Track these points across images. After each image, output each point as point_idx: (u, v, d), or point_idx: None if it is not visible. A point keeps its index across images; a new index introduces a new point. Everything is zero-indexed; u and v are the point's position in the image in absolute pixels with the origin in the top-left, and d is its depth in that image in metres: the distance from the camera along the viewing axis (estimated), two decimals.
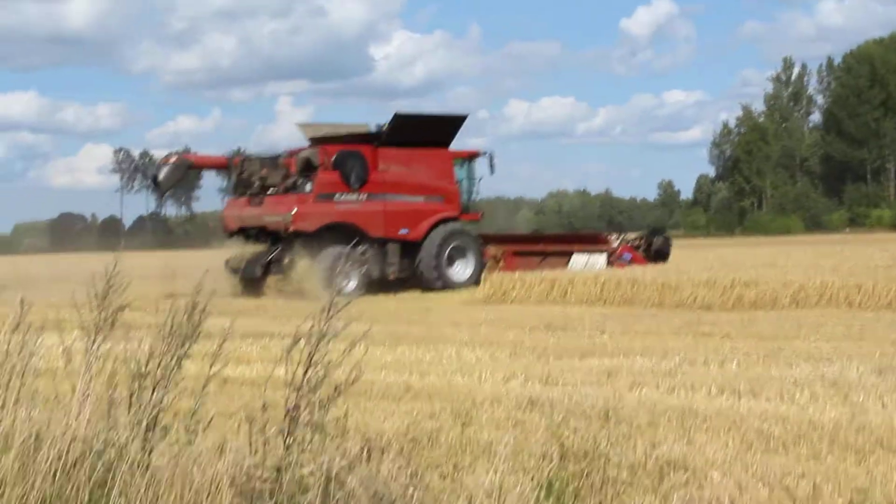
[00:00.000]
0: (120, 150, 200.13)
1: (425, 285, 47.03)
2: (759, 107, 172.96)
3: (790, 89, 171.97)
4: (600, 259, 52.88)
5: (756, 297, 33.02)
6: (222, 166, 54.85)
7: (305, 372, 6.72)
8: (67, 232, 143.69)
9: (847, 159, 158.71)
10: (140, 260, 34.12)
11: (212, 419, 8.10)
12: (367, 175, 47.94)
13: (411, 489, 6.80)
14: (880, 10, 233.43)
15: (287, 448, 6.61)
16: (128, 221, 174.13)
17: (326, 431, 6.86)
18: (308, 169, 47.88)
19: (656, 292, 35.65)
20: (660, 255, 55.57)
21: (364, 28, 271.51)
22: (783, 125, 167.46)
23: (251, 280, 47.05)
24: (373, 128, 51.99)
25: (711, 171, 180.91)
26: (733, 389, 16.85)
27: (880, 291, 31.86)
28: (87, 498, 7.23)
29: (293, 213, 46.25)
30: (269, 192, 48.84)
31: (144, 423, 7.51)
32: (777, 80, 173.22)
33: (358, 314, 10.63)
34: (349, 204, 47.58)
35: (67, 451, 7.49)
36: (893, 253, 52.36)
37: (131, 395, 7.74)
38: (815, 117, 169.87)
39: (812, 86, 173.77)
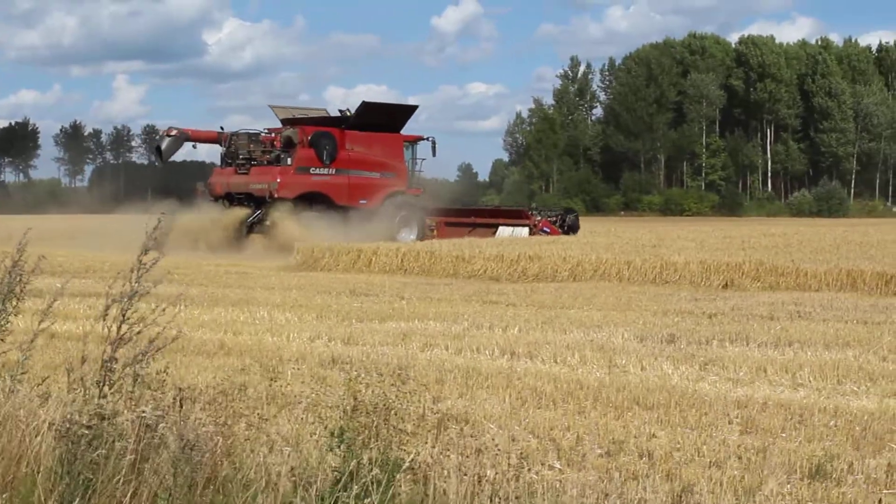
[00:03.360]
0: None
1: (382, 238, 47.87)
2: (549, 100, 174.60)
3: (576, 86, 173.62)
4: (524, 231, 55.75)
5: (538, 271, 33.36)
6: (214, 140, 56.86)
7: (119, 328, 6.77)
8: None
9: (624, 150, 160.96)
10: None
11: (26, 371, 8.04)
12: (336, 153, 52.80)
13: (218, 436, 6.85)
14: (659, 18, 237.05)
15: (103, 396, 6.64)
16: None
17: (145, 382, 6.91)
18: (289, 145, 52.23)
19: (451, 264, 35.77)
20: (571, 229, 58.56)
21: (198, 14, 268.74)
22: (570, 118, 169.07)
23: (237, 237, 50.71)
24: (335, 112, 57.72)
25: (506, 157, 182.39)
26: (513, 352, 17.09)
27: (646, 268, 32.35)
28: None
29: (277, 182, 50.86)
30: (253, 164, 53.14)
31: None
32: (565, 77, 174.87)
33: (179, 276, 10.73)
34: (321, 176, 52.87)
35: None
36: (660, 234, 53.37)
37: None
38: (598, 111, 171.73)
39: (596, 83, 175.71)
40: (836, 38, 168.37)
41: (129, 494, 6.24)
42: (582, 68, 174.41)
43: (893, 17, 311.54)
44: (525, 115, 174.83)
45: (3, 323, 7.79)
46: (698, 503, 5.89)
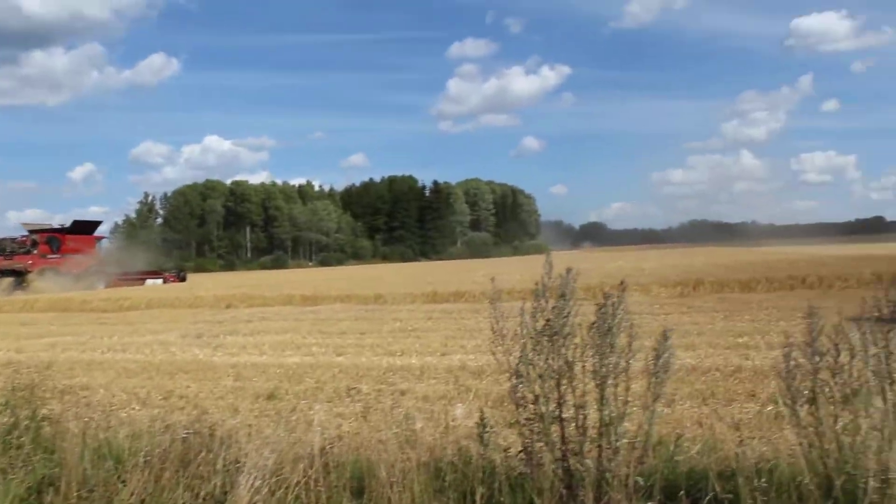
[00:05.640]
0: None
1: (87, 289, 46.78)
2: (133, 214, 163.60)
3: (147, 207, 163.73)
4: (159, 281, 56.65)
5: (130, 304, 31.14)
6: None
7: None
8: None
9: (175, 238, 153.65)
10: None
11: None
12: (60, 246, 52.31)
13: None
14: (191, 172, 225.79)
15: None
16: None
17: None
18: (34, 244, 51.58)
19: (80, 304, 32.93)
20: (183, 279, 59.64)
21: None
22: (145, 223, 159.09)
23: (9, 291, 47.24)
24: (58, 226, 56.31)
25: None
26: (114, 349, 16.05)
27: (186, 298, 31.11)
28: None
29: (30, 262, 50.26)
30: (15, 253, 51.15)
31: None
32: (141, 203, 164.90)
33: None
34: (53, 259, 51.71)
35: None
36: (195, 283, 51.61)
37: None
38: (160, 220, 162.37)
39: (158, 205, 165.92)
40: (279, 181, 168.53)
41: None
42: (150, 198, 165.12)
43: (282, 171, 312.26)
44: (121, 222, 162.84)
45: None
46: (210, 419, 5.72)
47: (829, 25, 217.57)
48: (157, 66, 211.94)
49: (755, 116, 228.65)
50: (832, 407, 4.13)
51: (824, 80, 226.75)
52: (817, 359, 4.06)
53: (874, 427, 3.82)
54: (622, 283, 3.73)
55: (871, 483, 3.59)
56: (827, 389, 4.18)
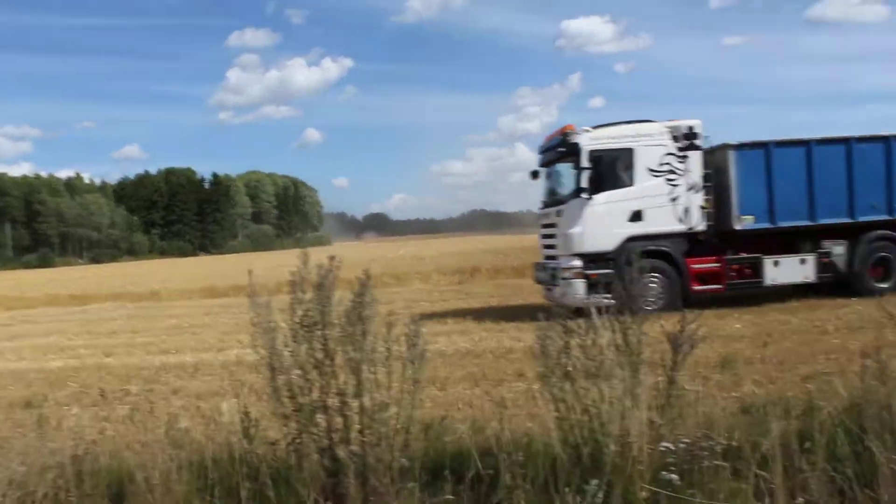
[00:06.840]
0: None
1: None
2: None
3: None
4: None
5: None
6: None
7: None
8: None
9: None
10: None
11: None
12: None
13: None
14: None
15: None
16: None
17: None
18: None
19: None
20: None
21: None
22: None
23: None
24: None
25: None
26: None
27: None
28: None
29: None
30: None
31: None
32: None
33: None
34: None
35: None
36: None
37: None
38: None
39: None
40: (44, 173, 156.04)
41: None
42: None
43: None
44: None
45: None
46: None
47: (594, 28, 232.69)
48: None
49: (529, 111, 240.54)
50: (582, 381, 4.41)
51: (591, 78, 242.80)
52: (568, 338, 4.31)
53: (617, 398, 4.11)
54: (365, 271, 3.77)
55: (612, 448, 3.86)
56: (578, 365, 4.45)
